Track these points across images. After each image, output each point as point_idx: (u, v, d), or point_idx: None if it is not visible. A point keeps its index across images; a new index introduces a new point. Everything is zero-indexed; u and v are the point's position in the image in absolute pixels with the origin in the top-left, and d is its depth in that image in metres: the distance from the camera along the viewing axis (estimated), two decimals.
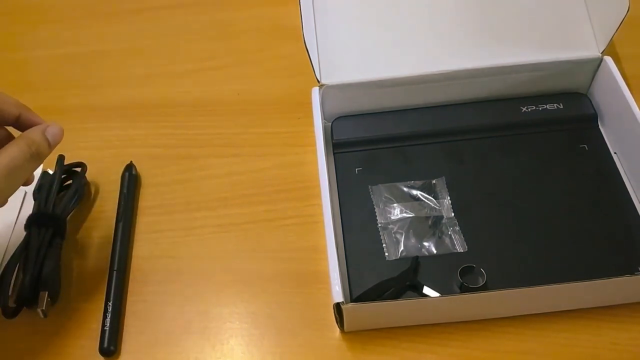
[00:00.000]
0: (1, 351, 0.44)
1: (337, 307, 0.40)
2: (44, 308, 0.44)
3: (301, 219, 0.50)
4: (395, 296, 0.43)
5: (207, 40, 0.64)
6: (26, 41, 0.66)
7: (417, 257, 0.44)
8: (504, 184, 0.48)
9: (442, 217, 0.47)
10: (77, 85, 0.61)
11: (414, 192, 0.48)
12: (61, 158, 0.50)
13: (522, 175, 0.49)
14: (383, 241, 0.46)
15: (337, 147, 0.52)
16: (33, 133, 0.41)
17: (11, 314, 0.44)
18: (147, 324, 0.45)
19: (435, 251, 0.45)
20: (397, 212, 0.47)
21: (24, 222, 0.47)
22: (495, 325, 0.43)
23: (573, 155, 0.50)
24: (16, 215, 0.51)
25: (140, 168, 0.54)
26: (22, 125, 0.43)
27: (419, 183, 0.49)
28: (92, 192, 0.53)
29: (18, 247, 0.45)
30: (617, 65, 0.50)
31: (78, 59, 0.63)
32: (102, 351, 0.43)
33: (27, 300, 0.44)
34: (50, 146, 0.42)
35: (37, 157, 0.41)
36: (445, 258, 0.45)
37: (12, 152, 0.39)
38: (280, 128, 0.56)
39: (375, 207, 0.48)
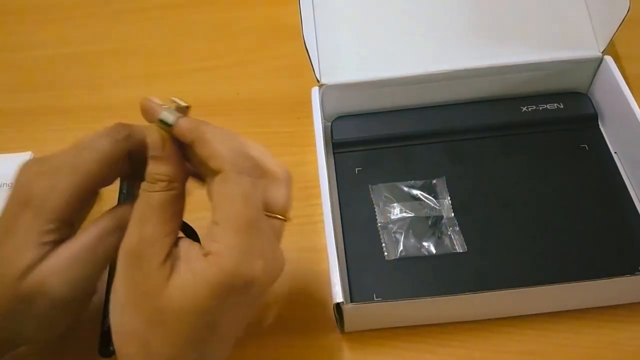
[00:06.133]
0: None
1: (337, 307, 0.40)
2: None
3: (301, 219, 0.49)
4: None
5: (207, 40, 0.64)
6: (26, 41, 0.66)
7: None
8: (504, 184, 0.48)
9: (442, 217, 0.47)
10: (77, 85, 0.61)
11: (414, 191, 0.48)
12: None
13: (522, 175, 0.49)
14: (382, 241, 0.45)
15: (337, 147, 0.51)
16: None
17: None
18: None
19: (434, 251, 0.45)
20: (397, 211, 0.47)
21: None
22: (495, 325, 0.43)
23: (573, 155, 0.50)
24: None
25: None
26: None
27: (419, 183, 0.49)
28: None
29: None
30: (617, 65, 0.50)
31: (78, 59, 0.63)
32: (101, 352, 0.43)
33: None
34: None
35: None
36: (445, 258, 0.45)
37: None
38: (280, 128, 0.56)
39: (375, 206, 0.47)
